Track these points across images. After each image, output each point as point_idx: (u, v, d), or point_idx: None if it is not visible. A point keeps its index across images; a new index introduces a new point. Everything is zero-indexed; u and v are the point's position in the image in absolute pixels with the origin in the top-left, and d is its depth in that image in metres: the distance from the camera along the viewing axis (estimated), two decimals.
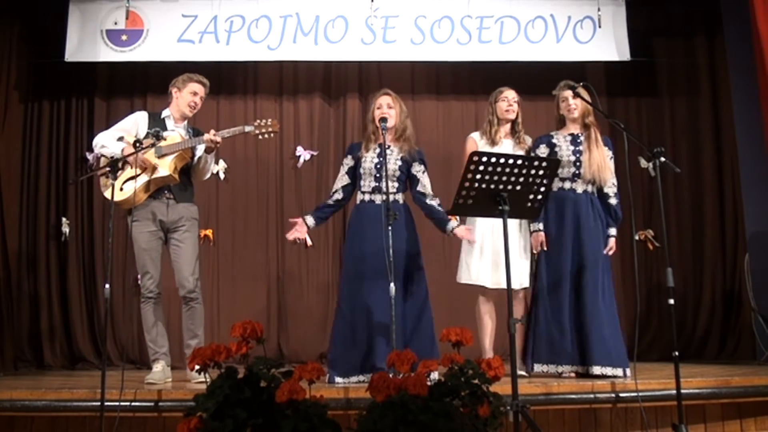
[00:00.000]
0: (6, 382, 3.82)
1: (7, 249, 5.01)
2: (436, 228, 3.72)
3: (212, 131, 3.70)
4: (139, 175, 3.65)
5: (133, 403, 3.04)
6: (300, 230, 3.72)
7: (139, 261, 3.75)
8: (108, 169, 3.16)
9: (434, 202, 3.69)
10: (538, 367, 3.65)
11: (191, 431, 2.32)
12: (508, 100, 3.92)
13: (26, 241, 5.16)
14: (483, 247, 3.83)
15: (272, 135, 3.80)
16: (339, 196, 3.80)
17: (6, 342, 4.82)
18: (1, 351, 4.77)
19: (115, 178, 3.16)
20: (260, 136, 3.78)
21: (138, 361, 5.02)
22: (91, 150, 5.28)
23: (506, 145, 3.90)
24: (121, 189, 3.64)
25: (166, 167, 3.64)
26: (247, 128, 3.76)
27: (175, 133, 3.74)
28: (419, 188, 3.70)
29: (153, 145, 3.56)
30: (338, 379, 3.48)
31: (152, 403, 3.08)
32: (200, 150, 3.78)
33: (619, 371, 3.52)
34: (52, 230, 5.21)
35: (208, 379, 3.38)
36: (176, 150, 3.66)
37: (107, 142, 3.68)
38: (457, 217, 5.18)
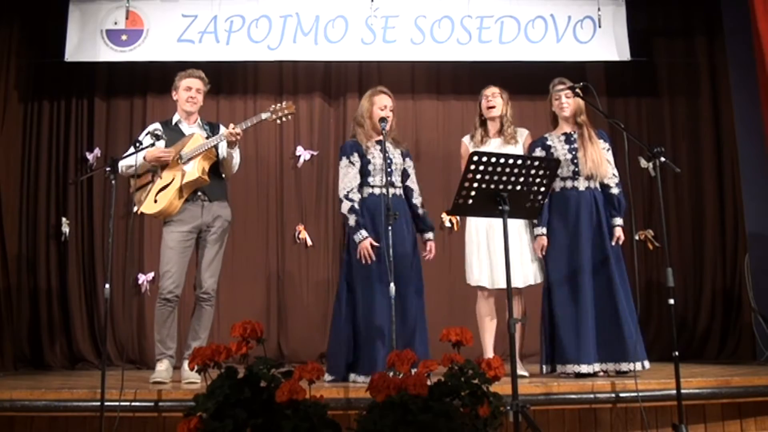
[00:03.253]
0: (6, 382, 3.82)
1: (7, 249, 5.01)
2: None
3: (231, 125, 3.70)
4: (169, 184, 3.67)
5: (133, 403, 3.04)
6: (371, 250, 3.54)
7: (162, 259, 3.75)
8: (108, 169, 3.16)
9: (419, 201, 3.85)
10: (560, 368, 3.59)
11: (191, 431, 2.32)
12: (487, 98, 3.93)
13: (26, 241, 5.15)
14: (483, 247, 3.83)
15: (290, 118, 3.79)
16: (357, 197, 3.67)
17: (6, 342, 4.82)
18: (1, 351, 4.77)
19: (115, 178, 3.16)
20: (278, 121, 3.77)
21: (138, 361, 5.02)
22: (91, 150, 5.30)
23: (493, 144, 3.90)
24: (155, 201, 3.66)
25: (194, 170, 3.66)
26: (264, 115, 3.75)
27: (196, 135, 3.75)
28: (409, 183, 3.83)
29: (152, 145, 3.56)
30: (329, 377, 3.52)
31: (152, 403, 3.08)
32: (223, 146, 3.78)
33: (647, 364, 3.56)
34: (52, 230, 5.21)
35: (199, 380, 3.42)
36: (199, 152, 3.68)
37: (130, 161, 3.64)
38: (458, 218, 5.23)
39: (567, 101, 3.77)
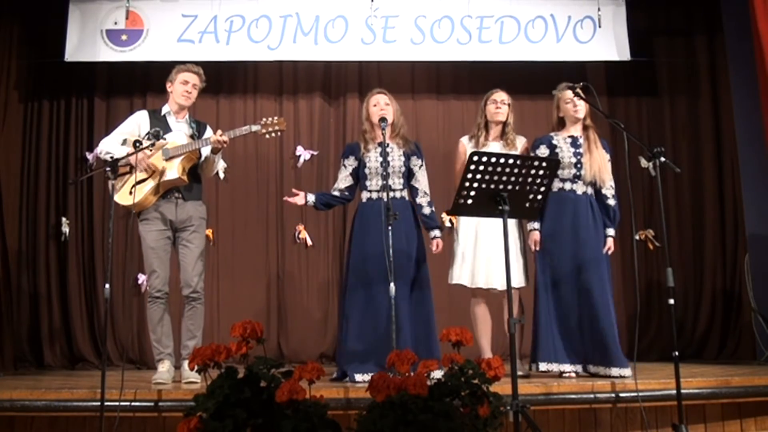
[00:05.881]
0: (6, 382, 3.82)
1: (7, 249, 5.01)
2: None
3: (219, 131, 3.69)
4: (146, 179, 3.64)
5: (133, 403, 3.04)
6: (298, 199, 3.78)
7: (146, 260, 3.75)
8: (108, 169, 3.16)
9: (424, 200, 3.78)
10: (542, 366, 3.62)
11: (191, 431, 2.32)
12: (497, 103, 3.93)
13: (26, 241, 5.15)
14: (469, 247, 3.83)
15: (279, 133, 3.80)
16: (346, 193, 3.86)
17: (6, 342, 4.82)
18: (1, 351, 4.77)
19: (115, 179, 3.16)
20: (267, 135, 3.76)
21: (138, 361, 5.02)
22: (91, 150, 5.29)
23: (494, 148, 3.90)
24: (131, 193, 3.64)
25: (174, 170, 3.63)
26: (254, 128, 3.74)
27: (181, 134, 3.74)
28: (413, 182, 3.79)
29: (152, 145, 3.55)
30: (357, 377, 3.49)
31: (152, 403, 3.08)
32: (206, 149, 3.76)
33: (627, 371, 3.50)
34: (52, 230, 5.20)
35: (199, 380, 3.42)
36: (183, 152, 3.66)
37: (111, 148, 3.67)
38: (458, 218, 5.22)
39: (581, 103, 3.76)
